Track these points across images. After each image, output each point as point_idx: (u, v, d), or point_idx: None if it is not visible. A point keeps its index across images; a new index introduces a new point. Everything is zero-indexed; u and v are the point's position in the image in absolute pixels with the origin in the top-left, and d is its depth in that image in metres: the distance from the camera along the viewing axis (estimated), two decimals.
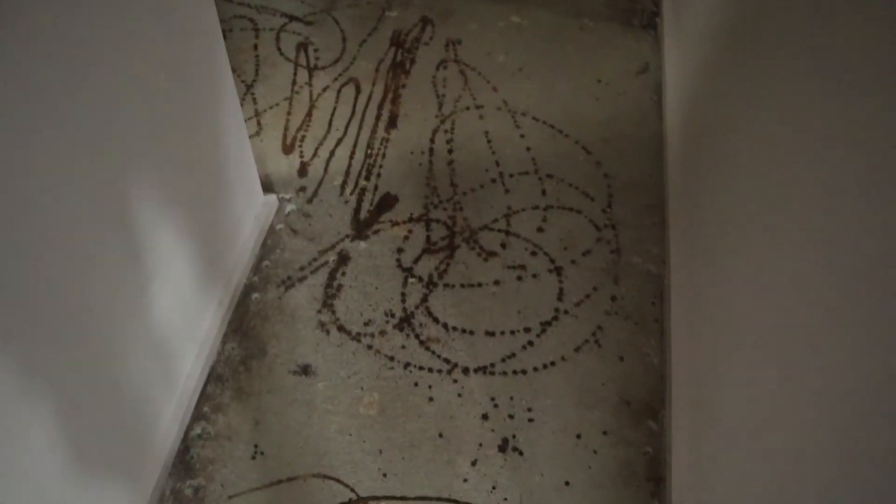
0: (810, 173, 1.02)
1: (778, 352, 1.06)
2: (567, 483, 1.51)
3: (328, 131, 2.17)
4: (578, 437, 1.57)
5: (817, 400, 0.89)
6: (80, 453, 1.19)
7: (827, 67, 1.01)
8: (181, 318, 1.54)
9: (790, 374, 1.00)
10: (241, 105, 1.89)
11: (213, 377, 1.66)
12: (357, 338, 1.72)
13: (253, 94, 2.27)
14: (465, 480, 1.51)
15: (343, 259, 1.86)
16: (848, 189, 0.88)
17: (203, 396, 1.63)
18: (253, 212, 1.88)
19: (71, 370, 1.15)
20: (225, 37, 1.57)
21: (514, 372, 1.66)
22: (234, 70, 1.77)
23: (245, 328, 1.74)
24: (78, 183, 1.09)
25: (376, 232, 1.91)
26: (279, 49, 2.41)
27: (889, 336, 0.73)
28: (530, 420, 1.59)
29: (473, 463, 1.54)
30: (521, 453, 1.55)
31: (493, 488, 1.50)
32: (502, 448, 1.55)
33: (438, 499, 1.49)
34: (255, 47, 2.42)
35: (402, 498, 1.49)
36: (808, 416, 0.91)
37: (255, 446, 1.56)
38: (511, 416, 1.60)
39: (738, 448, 1.18)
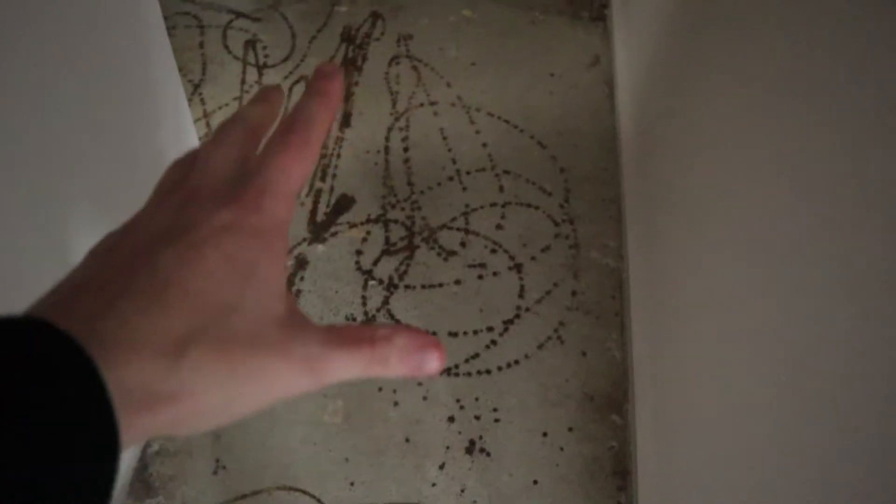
0: (767, 162, 1.03)
1: (739, 342, 1.07)
2: (535, 482, 1.51)
3: None
4: (545, 434, 1.57)
5: (780, 389, 0.90)
6: None
7: (785, 54, 1.02)
8: None
9: (752, 363, 1.01)
10: (189, 106, 1.83)
11: None
12: None
13: (201, 94, 2.21)
14: (434, 485, 1.50)
15: (301, 263, 1.82)
16: (807, 179, 0.89)
17: None
18: None
19: None
20: (169, 34, 1.52)
21: (479, 372, 1.66)
22: (180, 69, 1.72)
23: None
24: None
25: (334, 234, 1.88)
26: (226, 47, 2.35)
27: (849, 319, 0.74)
28: (496, 420, 1.59)
29: (441, 466, 1.53)
30: (488, 454, 1.54)
31: (462, 491, 1.50)
32: (469, 450, 1.55)
33: None
34: (201, 45, 2.35)
35: None
36: (772, 405, 0.93)
37: (217, 460, 1.52)
38: (477, 418, 1.59)
39: (702, 437, 1.19)
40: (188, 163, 0.31)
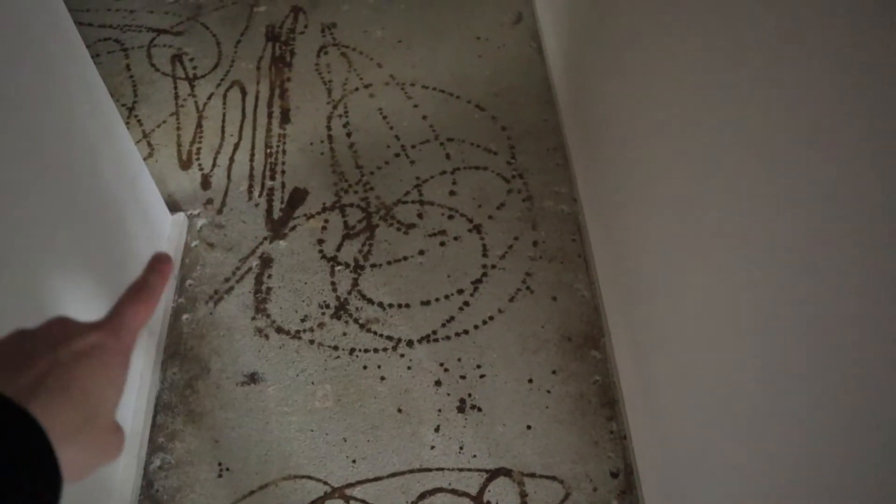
0: (691, 84, 1.08)
1: (697, 255, 1.12)
2: (529, 427, 1.57)
3: (223, 138, 2.14)
4: (530, 381, 1.63)
5: (738, 299, 0.96)
6: None
7: None
8: None
9: (711, 278, 1.06)
10: (128, 129, 1.83)
11: (161, 406, 1.64)
12: (297, 335, 1.72)
13: (137, 115, 2.21)
14: (433, 447, 1.55)
15: (266, 262, 1.84)
16: (732, 103, 0.94)
17: (155, 428, 1.61)
18: (164, 235, 1.84)
19: None
20: (94, 62, 1.52)
21: (457, 334, 1.70)
22: (111, 95, 1.71)
23: (183, 351, 1.72)
24: None
25: (293, 228, 1.90)
26: (153, 65, 2.34)
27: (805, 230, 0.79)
28: (482, 376, 1.64)
29: (437, 429, 1.57)
30: (479, 410, 1.59)
31: (461, 448, 1.55)
32: (461, 409, 1.60)
33: (410, 471, 1.53)
34: (128, 67, 2.34)
35: (376, 479, 1.52)
36: (735, 313, 0.98)
37: (220, 464, 1.55)
38: (463, 377, 1.64)
39: (678, 354, 1.25)
40: None
